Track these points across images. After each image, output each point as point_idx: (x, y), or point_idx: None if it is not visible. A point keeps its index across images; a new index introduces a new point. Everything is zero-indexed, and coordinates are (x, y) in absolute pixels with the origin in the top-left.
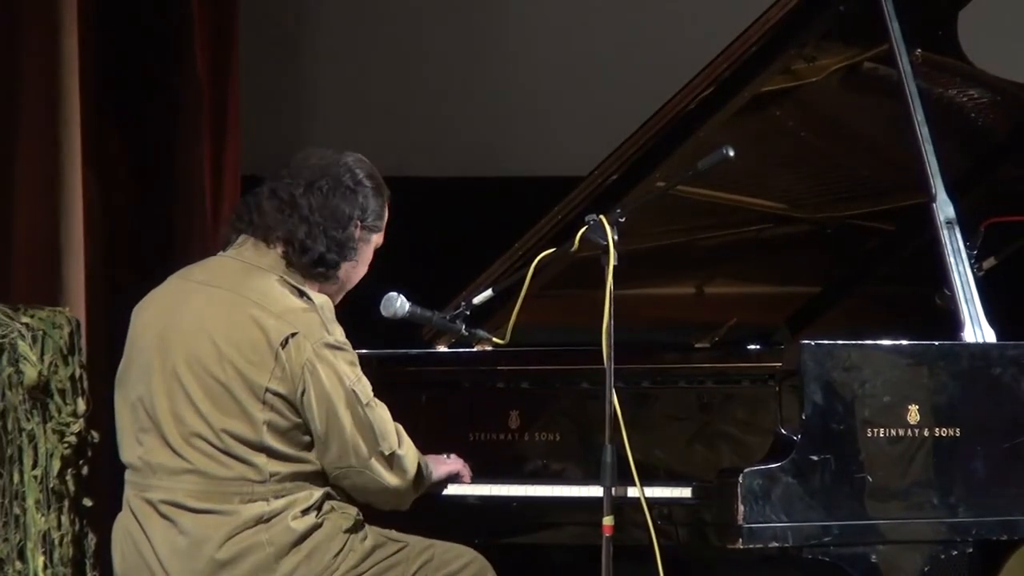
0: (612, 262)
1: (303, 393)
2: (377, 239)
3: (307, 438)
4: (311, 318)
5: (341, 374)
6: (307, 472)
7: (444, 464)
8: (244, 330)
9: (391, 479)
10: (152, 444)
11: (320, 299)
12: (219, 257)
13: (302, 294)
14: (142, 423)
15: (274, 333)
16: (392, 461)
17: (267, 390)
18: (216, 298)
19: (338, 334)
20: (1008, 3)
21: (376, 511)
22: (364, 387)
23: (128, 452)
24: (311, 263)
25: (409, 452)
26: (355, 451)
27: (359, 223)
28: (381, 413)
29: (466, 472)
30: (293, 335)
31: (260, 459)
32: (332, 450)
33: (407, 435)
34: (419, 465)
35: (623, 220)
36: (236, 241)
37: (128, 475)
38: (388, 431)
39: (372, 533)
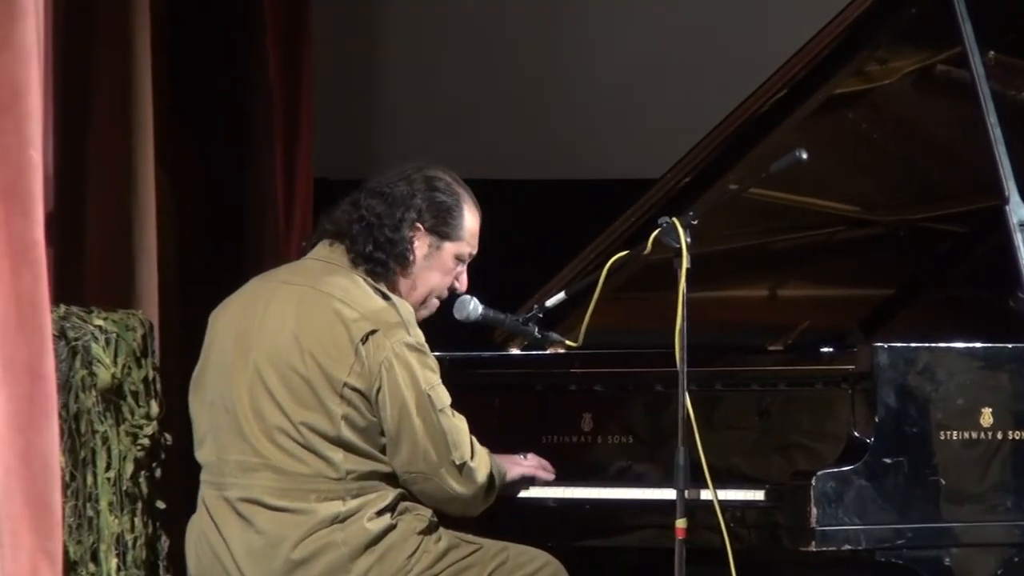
0: (685, 264)
1: (378, 391)
2: (455, 248)
3: (384, 439)
4: (393, 318)
5: (417, 376)
6: (383, 472)
7: (519, 465)
8: (326, 324)
9: (460, 489)
10: (230, 442)
11: (401, 303)
12: (303, 260)
13: (385, 296)
14: (220, 421)
15: (355, 329)
16: (463, 471)
17: (345, 384)
18: (298, 295)
19: (418, 337)
20: None
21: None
22: (440, 393)
23: (205, 451)
24: (358, 257)
25: (481, 465)
26: (425, 456)
27: (419, 226)
28: (456, 423)
29: (544, 473)
30: (374, 332)
31: (337, 455)
32: (402, 452)
33: (481, 448)
34: (491, 476)
35: (696, 223)
36: (316, 244)
37: (204, 475)
38: (462, 441)
39: (446, 535)
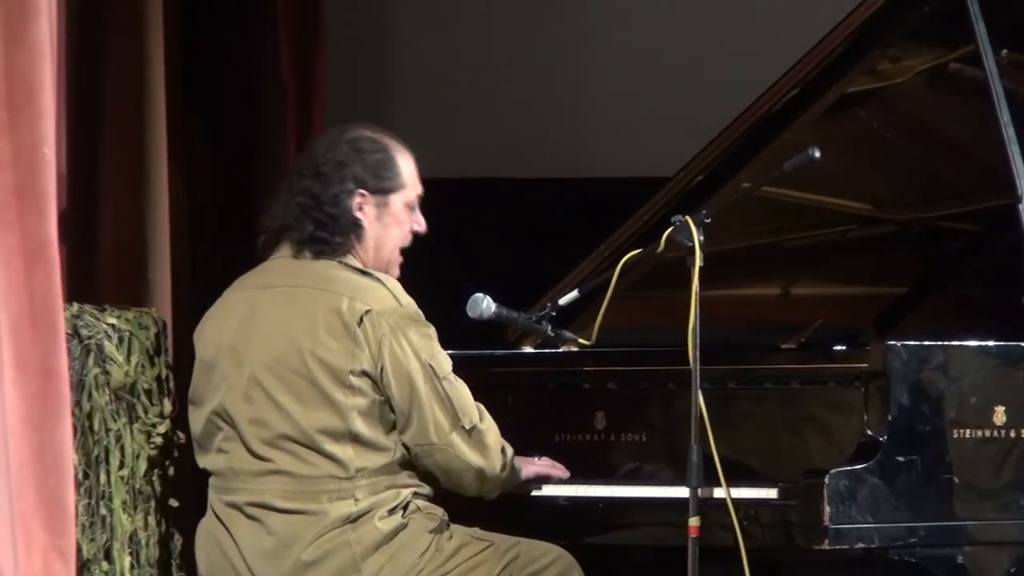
0: (698, 263)
1: (382, 369)
2: (401, 197)
3: (394, 416)
4: (382, 294)
5: (417, 348)
6: (393, 468)
7: (533, 465)
8: (320, 319)
9: (474, 457)
10: (235, 451)
11: (386, 277)
12: (270, 261)
13: (365, 273)
14: (225, 432)
15: (348, 315)
16: (473, 435)
17: (351, 372)
18: (282, 296)
19: (410, 306)
20: None
21: (461, 509)
22: (441, 361)
23: (210, 459)
24: (303, 241)
25: (491, 429)
26: (435, 426)
27: (363, 192)
28: (460, 388)
29: (558, 473)
30: (367, 312)
31: (347, 453)
32: (413, 425)
33: (489, 414)
34: (503, 449)
35: (709, 221)
36: (271, 244)
37: (212, 480)
38: (468, 406)
39: (458, 533)
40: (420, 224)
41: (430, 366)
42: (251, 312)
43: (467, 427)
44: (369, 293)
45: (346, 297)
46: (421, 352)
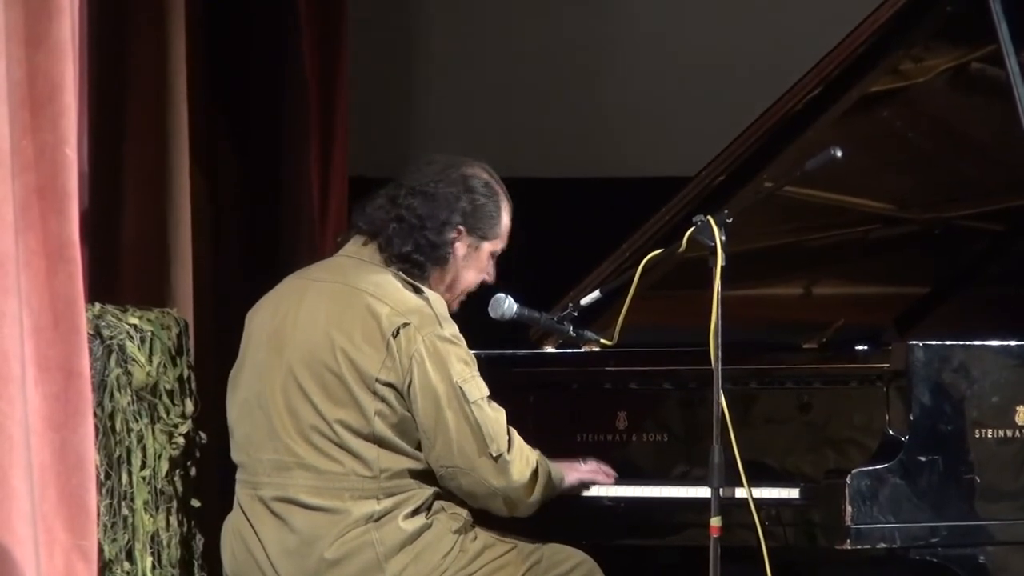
0: (720, 263)
1: (409, 384)
2: (491, 246)
3: (419, 433)
4: (424, 312)
5: (449, 369)
6: (418, 470)
7: (577, 470)
8: (358, 320)
9: (499, 483)
10: (263, 441)
11: (434, 297)
12: (335, 257)
13: (416, 290)
14: (255, 420)
15: (386, 323)
16: (499, 463)
17: (377, 380)
18: (331, 291)
19: (452, 329)
20: None
21: (485, 511)
22: (474, 386)
23: (239, 451)
24: (393, 257)
25: (517, 460)
26: (460, 450)
27: (461, 228)
28: (492, 414)
29: (604, 477)
30: (405, 325)
31: (372, 453)
32: (437, 447)
33: (521, 440)
34: (536, 472)
35: (730, 221)
36: (349, 240)
37: (239, 474)
38: (498, 433)
39: (481, 534)
40: (491, 275)
41: (461, 389)
42: (299, 302)
43: (494, 455)
44: (411, 308)
45: (389, 307)
46: (453, 374)
